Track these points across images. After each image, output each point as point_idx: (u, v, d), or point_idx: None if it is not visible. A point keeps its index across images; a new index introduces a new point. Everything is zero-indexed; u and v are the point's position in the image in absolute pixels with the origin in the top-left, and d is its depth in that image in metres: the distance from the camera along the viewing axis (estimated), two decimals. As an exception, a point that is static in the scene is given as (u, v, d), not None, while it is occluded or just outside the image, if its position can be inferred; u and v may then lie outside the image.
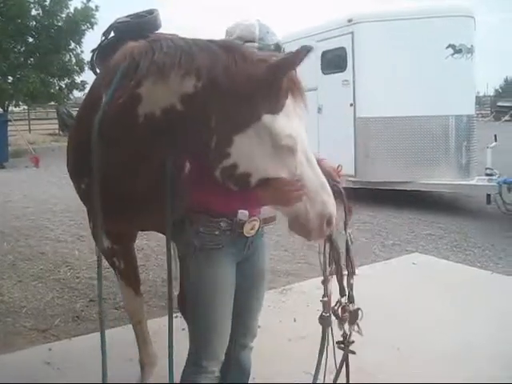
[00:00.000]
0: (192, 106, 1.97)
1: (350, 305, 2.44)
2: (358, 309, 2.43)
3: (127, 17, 3.00)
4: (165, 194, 2.28)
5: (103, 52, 2.90)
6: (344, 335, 2.48)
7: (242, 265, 2.33)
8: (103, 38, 3.00)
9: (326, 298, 2.43)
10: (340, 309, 2.44)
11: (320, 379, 2.51)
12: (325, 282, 2.45)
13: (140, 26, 2.80)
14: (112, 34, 2.95)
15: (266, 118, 1.95)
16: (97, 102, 2.28)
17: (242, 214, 2.23)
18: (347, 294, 2.44)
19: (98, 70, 3.01)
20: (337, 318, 2.45)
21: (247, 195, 2.12)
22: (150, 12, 2.97)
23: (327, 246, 2.40)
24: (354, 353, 2.52)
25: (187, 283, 2.32)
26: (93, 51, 3.05)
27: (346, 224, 2.46)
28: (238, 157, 1.98)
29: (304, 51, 1.91)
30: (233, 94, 1.93)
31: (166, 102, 1.99)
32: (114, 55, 2.28)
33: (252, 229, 2.28)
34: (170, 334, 2.40)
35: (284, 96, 1.99)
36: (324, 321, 2.45)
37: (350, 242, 2.46)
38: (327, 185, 2.11)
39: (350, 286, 2.44)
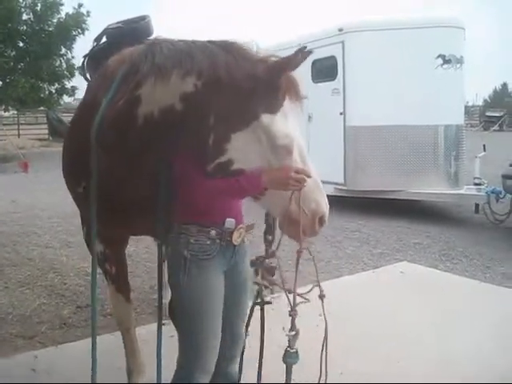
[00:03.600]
0: (191, 105, 2.00)
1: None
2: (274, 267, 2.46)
3: (118, 23, 3.00)
4: (161, 198, 2.29)
5: (94, 57, 2.90)
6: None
7: (228, 274, 2.31)
8: (95, 43, 2.99)
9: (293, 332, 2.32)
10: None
11: None
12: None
13: (133, 31, 2.81)
14: (104, 40, 2.95)
15: (264, 118, 2.00)
16: (94, 107, 2.28)
17: (229, 222, 2.23)
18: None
19: (88, 76, 3.00)
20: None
21: (236, 201, 2.15)
22: (142, 18, 2.97)
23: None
24: (270, 303, 2.58)
25: (178, 295, 2.28)
26: (84, 56, 3.05)
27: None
28: (235, 153, 2.02)
29: (302, 53, 1.95)
30: (233, 91, 1.97)
31: (166, 103, 2.02)
32: (105, 61, 2.28)
33: (239, 237, 2.28)
34: (158, 342, 2.39)
35: (282, 96, 2.03)
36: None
37: None
38: (320, 184, 2.15)
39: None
